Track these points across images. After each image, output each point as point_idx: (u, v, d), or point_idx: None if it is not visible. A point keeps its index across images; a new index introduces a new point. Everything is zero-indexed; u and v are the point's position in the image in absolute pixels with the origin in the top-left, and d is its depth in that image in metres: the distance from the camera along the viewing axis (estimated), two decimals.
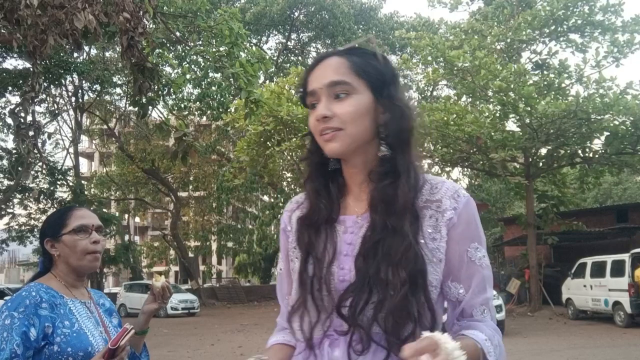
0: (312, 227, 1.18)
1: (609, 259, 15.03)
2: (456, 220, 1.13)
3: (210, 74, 20.09)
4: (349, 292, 1.09)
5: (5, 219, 24.26)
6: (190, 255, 32.35)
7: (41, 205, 24.14)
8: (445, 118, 16.42)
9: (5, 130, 21.98)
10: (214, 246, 35.96)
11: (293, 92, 19.16)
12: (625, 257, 14.18)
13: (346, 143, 1.12)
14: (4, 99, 21.38)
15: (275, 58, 27.88)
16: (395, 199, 1.10)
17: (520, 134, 17.42)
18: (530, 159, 18.15)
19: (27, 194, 23.49)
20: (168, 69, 18.25)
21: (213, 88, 19.45)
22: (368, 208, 1.14)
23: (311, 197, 1.21)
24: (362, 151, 1.15)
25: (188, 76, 19.34)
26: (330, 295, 1.12)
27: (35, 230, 24.09)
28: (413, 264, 1.06)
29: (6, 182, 23.10)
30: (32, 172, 22.45)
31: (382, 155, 1.15)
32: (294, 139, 17.10)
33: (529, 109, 15.68)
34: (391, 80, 1.19)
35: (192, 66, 21.03)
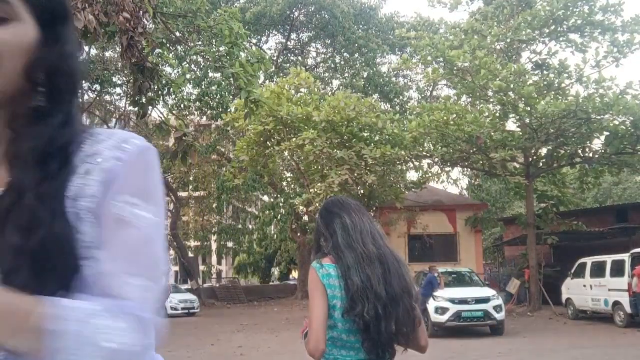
0: None
1: (609, 259, 15.03)
2: (118, 172, 0.82)
3: (210, 74, 20.10)
4: None
5: None
6: (190, 255, 32.36)
7: None
8: (445, 118, 16.43)
9: None
10: (214, 246, 35.98)
11: (293, 92, 19.16)
12: (625, 257, 14.18)
13: None
14: None
15: (275, 58, 27.88)
16: (28, 149, 0.81)
17: (520, 134, 17.43)
18: (530, 159, 18.15)
19: None
20: (168, 69, 18.25)
21: (213, 88, 19.46)
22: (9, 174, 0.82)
23: None
24: (9, 98, 0.83)
25: (188, 76, 19.38)
26: None
27: None
28: (41, 230, 0.76)
29: None
30: None
31: (35, 106, 0.85)
32: (294, 139, 17.10)
33: (529, 109, 15.69)
34: (63, 15, 0.90)
35: (192, 66, 21.06)
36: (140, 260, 0.82)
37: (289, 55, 30.26)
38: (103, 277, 0.78)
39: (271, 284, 41.31)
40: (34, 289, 0.73)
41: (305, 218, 23.82)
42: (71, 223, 0.79)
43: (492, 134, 16.74)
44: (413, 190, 18.98)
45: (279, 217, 24.56)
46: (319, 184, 17.18)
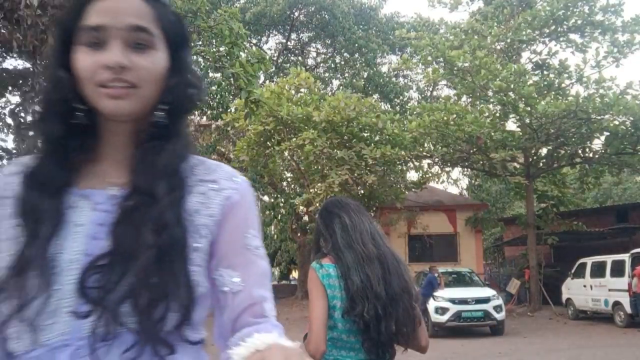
0: (40, 194, 0.91)
1: (609, 259, 15.03)
2: (235, 201, 0.98)
3: (210, 74, 20.09)
4: (95, 267, 0.86)
5: None
6: None
7: None
8: (445, 118, 16.43)
9: (5, 130, 21.96)
10: None
11: (293, 92, 19.15)
12: (625, 257, 14.19)
13: (137, 105, 0.92)
14: (4, 99, 21.35)
15: (275, 58, 27.87)
16: (158, 161, 0.93)
17: (520, 134, 17.42)
18: (530, 159, 18.15)
19: None
20: None
21: (213, 88, 19.44)
22: (130, 176, 0.94)
23: (40, 155, 0.94)
24: (140, 115, 0.94)
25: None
26: (61, 291, 0.87)
27: None
28: (170, 230, 0.89)
29: None
30: None
31: (155, 121, 0.96)
32: (294, 139, 17.09)
33: (529, 109, 15.69)
34: (186, 43, 1.02)
35: (192, 66, 21.03)
36: (268, 284, 1.00)
37: (289, 55, 30.25)
38: (249, 299, 0.95)
39: (271, 283, 41.23)
40: (159, 274, 0.86)
41: (305, 218, 23.81)
42: (187, 230, 0.91)
43: (492, 134, 16.74)
44: (413, 190, 18.97)
45: (279, 217, 24.54)
46: (319, 184, 17.17)
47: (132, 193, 0.91)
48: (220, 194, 0.97)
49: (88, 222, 0.91)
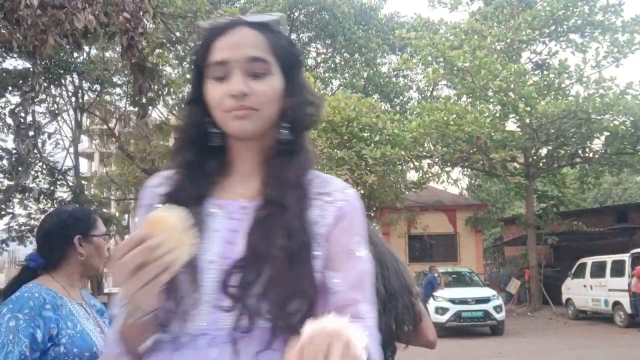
0: (185, 204, 1.02)
1: (609, 259, 15.03)
2: (346, 211, 1.09)
3: None
4: (235, 269, 1.00)
5: (5, 219, 24.20)
6: None
7: (41, 205, 24.10)
8: (445, 118, 16.42)
9: (5, 130, 21.95)
10: None
11: None
12: (625, 257, 14.18)
13: (259, 125, 1.06)
14: (4, 99, 21.32)
15: None
16: (286, 175, 1.07)
17: (520, 134, 17.42)
18: (530, 159, 18.15)
19: (27, 194, 23.45)
20: (168, 69, 18.24)
21: None
22: (260, 191, 1.07)
23: (182, 171, 1.10)
24: (263, 133, 1.08)
25: (188, 76, 19.33)
26: (205, 287, 1.00)
27: (35, 230, 24.05)
28: (298, 236, 1.01)
29: (6, 182, 23.07)
30: (32, 172, 22.42)
31: (281, 139, 1.10)
32: None
33: (529, 109, 15.69)
34: (298, 65, 1.15)
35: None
36: (367, 288, 1.06)
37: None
38: (345, 299, 1.02)
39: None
40: (289, 275, 0.99)
41: None
42: (312, 237, 1.03)
43: (492, 134, 16.73)
44: (413, 190, 18.96)
45: None
46: None
47: (264, 204, 1.04)
48: (334, 205, 1.08)
49: (223, 228, 1.04)
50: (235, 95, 1.03)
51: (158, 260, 0.87)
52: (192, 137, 1.11)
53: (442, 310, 13.38)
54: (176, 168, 1.13)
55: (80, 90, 25.40)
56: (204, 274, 1.00)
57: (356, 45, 26.63)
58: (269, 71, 1.07)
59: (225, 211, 1.06)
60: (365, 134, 18.29)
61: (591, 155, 17.56)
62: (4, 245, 25.85)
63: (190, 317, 1.00)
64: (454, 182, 22.19)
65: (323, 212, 1.07)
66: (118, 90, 25.33)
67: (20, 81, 18.38)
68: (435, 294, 13.50)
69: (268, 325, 0.99)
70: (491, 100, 17.23)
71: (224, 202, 1.07)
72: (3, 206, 22.37)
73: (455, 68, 16.73)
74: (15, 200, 23.89)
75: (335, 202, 1.09)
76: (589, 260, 15.88)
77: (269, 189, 1.06)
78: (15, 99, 20.72)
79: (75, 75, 22.02)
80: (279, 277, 0.98)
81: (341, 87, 26.33)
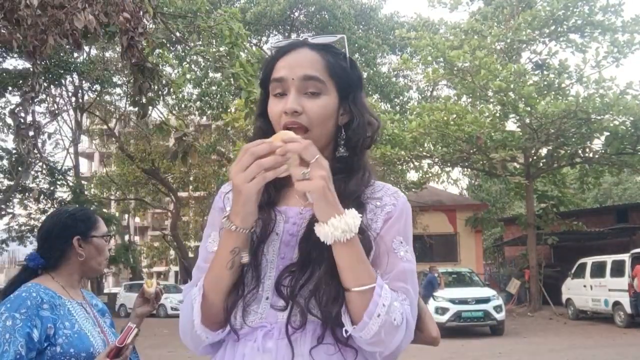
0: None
1: (609, 259, 15.04)
2: (393, 214, 1.18)
3: (210, 74, 20.09)
4: (289, 271, 1.13)
5: (5, 219, 24.23)
6: (191, 255, 32.32)
7: (41, 205, 24.12)
8: (445, 118, 16.41)
9: (5, 130, 21.96)
10: None
11: None
12: (625, 257, 14.19)
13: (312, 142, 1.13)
14: (4, 99, 21.37)
15: None
16: (344, 190, 1.13)
17: (520, 134, 17.41)
18: (530, 159, 18.15)
19: (27, 194, 23.47)
20: (168, 69, 18.24)
21: (213, 88, 19.45)
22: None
23: None
24: (320, 149, 1.12)
25: (188, 76, 19.36)
26: (263, 285, 1.15)
27: (35, 230, 24.05)
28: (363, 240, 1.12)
29: (6, 182, 23.09)
30: (32, 172, 22.43)
31: (339, 156, 1.19)
32: None
33: (529, 109, 15.68)
34: (357, 85, 1.21)
35: (192, 66, 21.03)
36: (406, 283, 1.15)
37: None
38: (397, 288, 1.13)
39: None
40: (336, 279, 1.09)
41: None
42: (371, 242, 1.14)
43: (492, 134, 16.73)
44: (413, 190, 18.97)
45: None
46: None
47: (315, 216, 1.11)
48: (383, 210, 1.19)
49: (282, 231, 1.17)
50: (288, 112, 1.11)
51: (276, 156, 1.01)
52: None
53: (442, 310, 13.37)
54: None
55: (80, 90, 25.42)
56: (264, 272, 1.14)
57: (356, 45, 26.61)
58: (324, 91, 1.14)
59: (285, 216, 1.18)
60: None
61: (591, 155, 17.55)
62: (4, 246, 25.89)
63: (250, 311, 1.14)
64: (454, 182, 22.21)
65: (374, 217, 1.18)
66: (118, 90, 25.37)
67: (20, 81, 18.41)
68: (435, 294, 13.51)
69: (319, 321, 1.10)
70: (491, 100, 17.23)
71: (284, 209, 1.19)
72: (3, 206, 22.38)
73: (455, 68, 16.73)
74: (15, 200, 23.92)
75: (384, 206, 1.19)
76: (589, 260, 15.88)
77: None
78: (15, 99, 20.73)
79: (75, 75, 22.05)
80: (328, 279, 1.09)
81: None
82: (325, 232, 1.04)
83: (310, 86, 1.13)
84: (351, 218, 1.04)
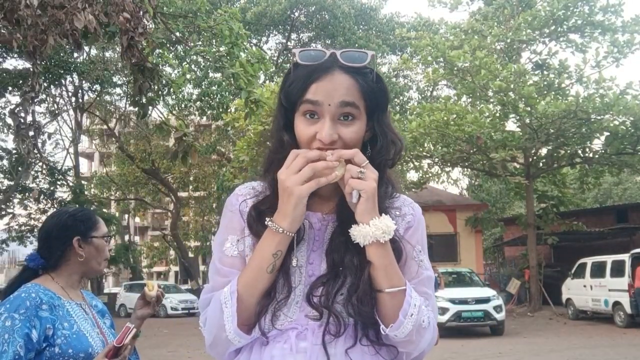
0: (269, 217, 1.17)
1: (609, 259, 15.03)
2: (413, 224, 1.25)
3: (210, 74, 20.09)
4: (320, 282, 1.16)
5: (6, 219, 24.24)
6: (190, 255, 32.35)
7: (41, 205, 24.12)
8: (445, 118, 16.40)
9: (5, 130, 21.98)
10: None
11: None
12: (625, 257, 14.18)
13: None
14: (4, 99, 21.40)
15: (275, 58, 27.88)
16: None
17: (520, 134, 17.41)
18: (530, 159, 18.15)
19: (27, 194, 23.47)
20: (168, 69, 18.25)
21: (213, 88, 19.44)
22: (336, 207, 1.21)
23: (272, 188, 1.21)
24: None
25: (188, 76, 19.36)
26: (295, 290, 1.18)
27: (35, 230, 24.07)
28: (362, 254, 1.16)
29: (6, 182, 23.09)
30: (32, 172, 22.45)
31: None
32: None
33: (529, 109, 15.68)
34: (384, 104, 1.22)
35: (192, 66, 21.03)
36: (426, 288, 1.23)
37: (289, 55, 30.15)
38: (420, 293, 1.20)
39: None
40: (363, 287, 1.15)
41: None
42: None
43: (492, 134, 16.72)
44: (413, 190, 18.96)
45: None
46: None
47: (340, 224, 1.18)
48: (404, 219, 1.24)
49: (308, 237, 1.20)
50: (325, 142, 1.12)
51: (328, 162, 1.08)
52: (282, 160, 1.17)
53: (442, 310, 13.36)
54: (268, 185, 1.24)
55: (80, 90, 25.42)
56: (294, 277, 1.17)
57: (356, 45, 26.62)
58: (357, 116, 1.15)
59: (308, 221, 1.20)
60: None
61: (591, 155, 17.55)
62: (4, 246, 25.89)
63: (279, 315, 1.16)
64: (454, 182, 22.21)
65: (396, 225, 1.18)
66: (118, 90, 25.37)
67: (20, 81, 18.42)
68: (435, 294, 13.49)
69: (352, 323, 1.15)
70: (491, 100, 17.23)
71: (308, 214, 1.19)
72: (3, 206, 22.38)
73: (455, 68, 16.72)
74: (15, 200, 23.92)
75: (405, 216, 1.25)
76: (589, 260, 15.88)
77: (346, 210, 1.16)
78: (15, 99, 20.74)
79: (75, 75, 22.05)
80: (359, 283, 1.14)
81: None
82: (365, 232, 1.10)
83: (345, 111, 1.14)
84: (389, 220, 1.11)
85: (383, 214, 1.12)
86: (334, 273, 1.16)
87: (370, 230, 1.09)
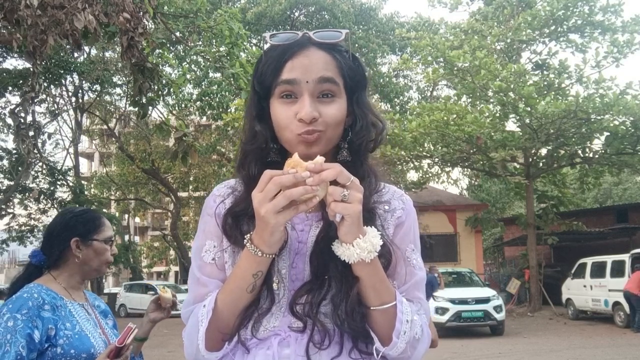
0: (246, 220, 1.11)
1: (609, 259, 15.03)
2: (404, 220, 1.16)
3: (211, 74, 20.09)
4: (304, 290, 1.09)
5: (6, 219, 24.24)
6: (190, 255, 32.32)
7: (41, 206, 24.12)
8: (445, 118, 16.41)
9: (5, 130, 21.98)
10: None
11: None
12: (625, 257, 14.18)
13: (324, 147, 1.08)
14: (4, 99, 21.38)
15: None
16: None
17: (520, 134, 17.41)
18: (530, 159, 18.15)
19: (27, 194, 23.47)
20: (168, 69, 18.22)
21: (213, 88, 19.44)
22: (320, 205, 1.08)
23: (246, 185, 1.13)
24: (325, 154, 1.07)
25: (188, 76, 19.36)
26: (278, 297, 1.10)
27: (36, 230, 24.08)
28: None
29: (6, 182, 23.09)
30: (32, 172, 22.43)
31: (341, 160, 1.11)
32: None
33: (529, 109, 15.67)
34: (363, 84, 1.15)
35: (192, 66, 21.04)
36: (419, 292, 1.16)
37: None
38: (413, 297, 1.15)
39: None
40: (349, 292, 1.07)
41: None
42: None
43: (492, 134, 16.72)
44: (413, 190, 18.96)
45: None
46: None
47: (330, 226, 1.07)
48: (394, 215, 1.16)
49: (290, 238, 1.11)
50: (306, 119, 1.04)
51: (306, 186, 0.96)
52: (256, 152, 1.13)
53: (442, 311, 13.37)
54: (242, 181, 1.16)
55: (80, 90, 25.42)
56: (277, 282, 1.10)
57: (356, 45, 26.62)
58: (337, 93, 1.08)
59: (290, 223, 1.11)
60: None
61: (591, 155, 17.55)
62: (4, 246, 25.88)
63: (261, 323, 1.10)
64: (454, 182, 22.21)
65: (384, 222, 1.14)
66: (118, 90, 25.38)
67: (20, 81, 18.42)
68: (435, 294, 13.50)
69: (339, 333, 1.08)
70: (491, 100, 17.22)
71: None
72: (3, 206, 22.38)
73: (455, 68, 16.72)
74: (16, 200, 23.92)
75: (394, 211, 1.16)
76: (589, 261, 15.88)
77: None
78: (15, 99, 20.74)
79: (75, 75, 22.04)
80: (346, 292, 1.06)
81: None
82: (350, 253, 1.01)
83: (324, 88, 1.06)
84: (374, 237, 1.02)
85: (368, 229, 1.02)
86: (319, 281, 1.08)
87: (354, 250, 1.01)
